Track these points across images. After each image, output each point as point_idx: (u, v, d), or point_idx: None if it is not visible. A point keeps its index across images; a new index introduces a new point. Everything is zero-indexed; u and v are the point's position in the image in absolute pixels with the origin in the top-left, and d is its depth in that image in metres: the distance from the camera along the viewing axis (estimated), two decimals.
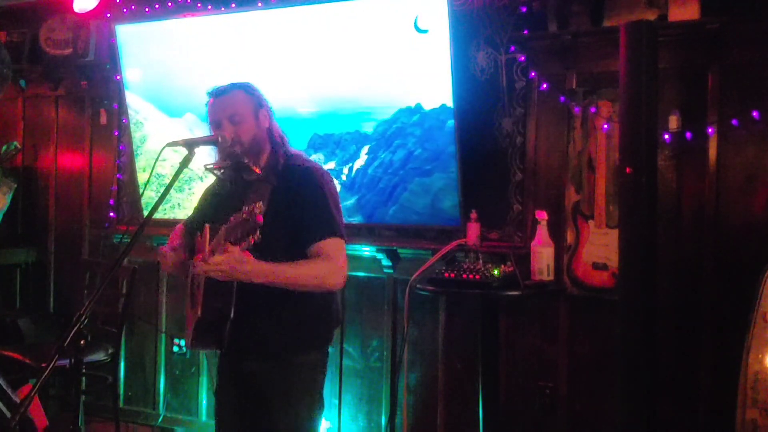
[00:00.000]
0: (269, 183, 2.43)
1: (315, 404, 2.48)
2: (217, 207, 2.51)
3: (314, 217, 2.36)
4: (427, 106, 3.59)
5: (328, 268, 2.33)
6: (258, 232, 2.09)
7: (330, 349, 2.54)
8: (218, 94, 2.48)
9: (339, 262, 2.36)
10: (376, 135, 3.75)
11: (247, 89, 2.50)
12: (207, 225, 2.22)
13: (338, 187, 2.90)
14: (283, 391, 2.40)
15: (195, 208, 2.73)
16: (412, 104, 3.61)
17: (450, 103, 3.52)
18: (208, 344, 2.48)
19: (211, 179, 2.70)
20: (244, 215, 2.09)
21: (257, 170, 2.45)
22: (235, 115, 2.43)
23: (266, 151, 2.49)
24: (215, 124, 2.46)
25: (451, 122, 3.52)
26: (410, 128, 3.63)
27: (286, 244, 2.34)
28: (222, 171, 2.52)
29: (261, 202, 2.12)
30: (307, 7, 3.84)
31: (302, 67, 3.84)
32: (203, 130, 4.15)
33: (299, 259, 2.34)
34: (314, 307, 2.44)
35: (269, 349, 2.41)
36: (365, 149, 3.80)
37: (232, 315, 2.32)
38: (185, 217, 2.79)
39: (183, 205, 4.31)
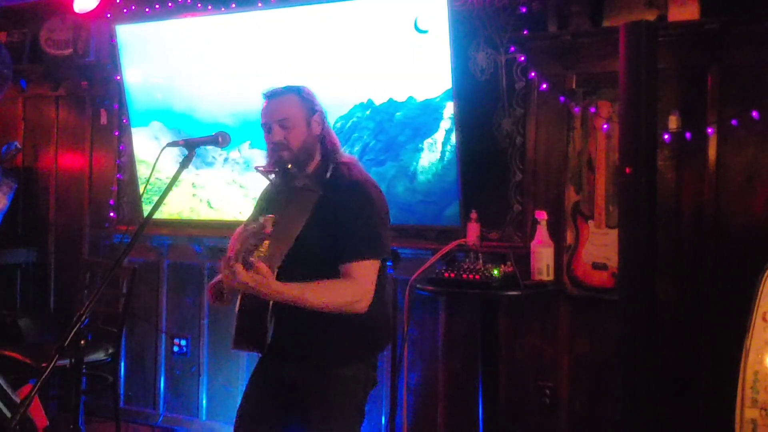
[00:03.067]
0: (315, 192, 2.35)
1: (354, 418, 2.41)
2: (263, 212, 2.47)
3: (353, 235, 2.29)
4: (378, 101, 3.74)
5: (352, 293, 2.27)
6: (266, 244, 2.05)
7: None
8: (271, 97, 2.43)
9: (366, 286, 2.29)
10: (336, 131, 3.83)
11: (300, 93, 2.44)
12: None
13: None
14: (322, 401, 2.34)
15: (253, 209, 2.65)
16: (365, 100, 3.76)
17: (397, 98, 3.69)
18: (249, 346, 2.42)
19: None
20: (255, 225, 2.06)
21: (305, 178, 2.39)
22: (286, 120, 2.37)
23: (316, 159, 2.43)
24: (266, 127, 2.41)
25: (398, 115, 3.69)
26: (364, 122, 3.79)
27: (321, 256, 2.29)
28: (271, 175, 2.47)
29: (273, 215, 2.07)
30: (306, 7, 3.87)
31: (278, 67, 3.89)
32: (169, 137, 4.29)
33: (331, 272, 2.29)
34: (358, 318, 2.34)
35: (311, 358, 2.36)
36: None
37: (271, 322, 2.27)
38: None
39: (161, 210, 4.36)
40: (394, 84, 3.67)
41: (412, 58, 3.61)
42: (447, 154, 3.61)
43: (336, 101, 3.78)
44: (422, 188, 3.68)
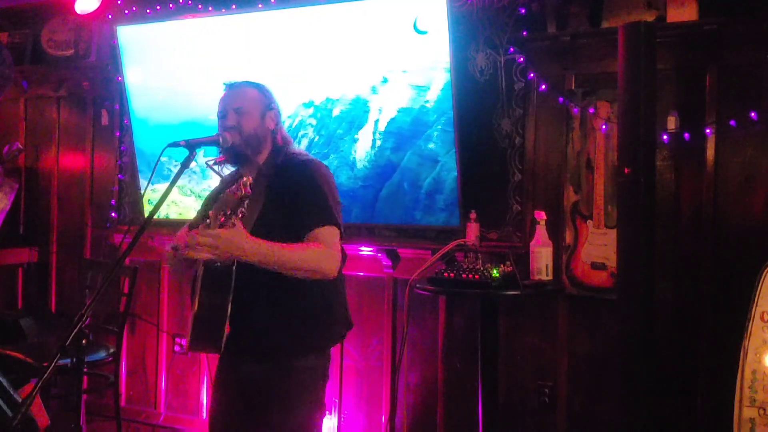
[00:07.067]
0: (266, 177, 2.45)
1: (314, 409, 2.47)
2: (212, 209, 2.50)
3: (310, 206, 2.39)
4: (317, 100, 3.95)
5: (323, 253, 2.34)
6: (246, 203, 2.11)
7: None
8: (231, 87, 2.54)
9: (334, 249, 2.37)
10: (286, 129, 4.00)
11: (260, 88, 2.55)
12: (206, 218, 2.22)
13: None
14: (281, 394, 2.39)
15: (198, 211, 2.72)
16: (306, 100, 3.98)
17: (333, 95, 3.92)
18: (206, 345, 2.44)
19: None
20: (234, 188, 2.11)
21: (257, 164, 2.47)
22: (241, 107, 2.47)
23: (267, 150, 2.52)
24: (221, 113, 2.50)
25: (335, 110, 3.92)
26: (307, 119, 3.99)
27: (282, 234, 2.34)
28: (222, 167, 2.54)
29: (249, 176, 2.13)
30: (305, 8, 3.90)
31: (265, 68, 3.96)
32: None
33: None
34: (314, 306, 2.43)
35: (267, 350, 2.40)
36: None
37: (228, 313, 2.31)
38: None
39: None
40: (330, 83, 3.90)
41: (352, 55, 3.79)
42: (377, 141, 3.83)
43: (286, 99, 3.96)
44: (361, 174, 3.89)
